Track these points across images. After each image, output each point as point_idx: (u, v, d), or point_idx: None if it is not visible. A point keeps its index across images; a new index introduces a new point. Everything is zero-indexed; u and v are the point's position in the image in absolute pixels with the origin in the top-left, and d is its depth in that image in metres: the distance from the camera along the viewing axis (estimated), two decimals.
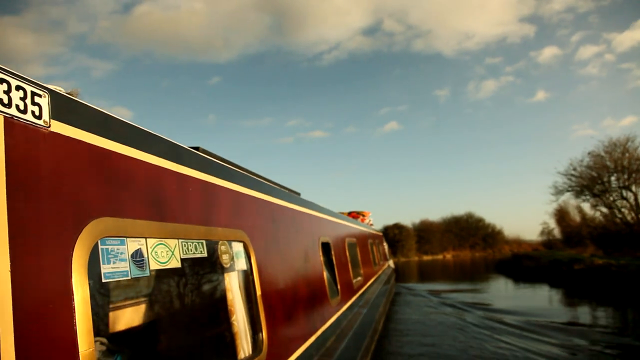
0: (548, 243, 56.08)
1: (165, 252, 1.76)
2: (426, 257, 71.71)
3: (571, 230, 40.33)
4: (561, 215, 43.00)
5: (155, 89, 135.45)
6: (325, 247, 5.15)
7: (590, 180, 30.53)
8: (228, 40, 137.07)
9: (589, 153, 30.81)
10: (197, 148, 2.41)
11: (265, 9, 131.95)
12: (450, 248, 79.01)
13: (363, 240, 9.14)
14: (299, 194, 4.89)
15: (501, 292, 19.46)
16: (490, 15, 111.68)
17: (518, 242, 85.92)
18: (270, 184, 3.47)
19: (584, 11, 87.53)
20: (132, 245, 1.56)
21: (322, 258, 4.70)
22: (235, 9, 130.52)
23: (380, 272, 11.50)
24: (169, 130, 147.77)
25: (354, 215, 11.03)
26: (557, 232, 52.87)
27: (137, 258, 1.58)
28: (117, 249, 1.49)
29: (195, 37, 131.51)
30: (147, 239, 1.64)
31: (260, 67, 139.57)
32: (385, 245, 17.41)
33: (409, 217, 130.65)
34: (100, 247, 1.40)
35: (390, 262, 17.66)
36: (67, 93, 1.57)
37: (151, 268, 1.65)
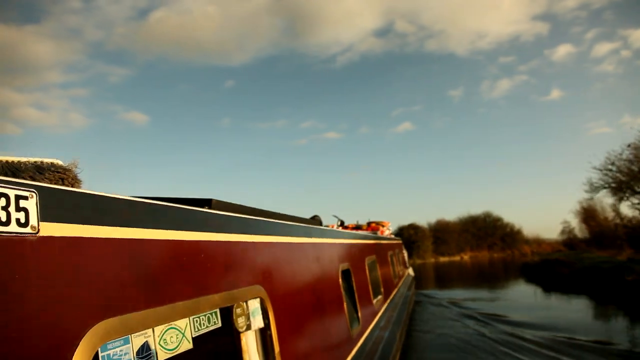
0: (569, 243, 54.93)
1: (175, 337, 1.59)
2: (443, 259, 70.96)
3: (601, 230, 37.82)
4: (589, 214, 41.38)
5: (171, 93, 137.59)
6: (346, 273, 4.93)
7: (630, 175, 27.51)
8: (242, 43, 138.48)
9: (628, 145, 27.49)
10: (209, 201, 2.22)
11: (279, 13, 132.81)
12: (467, 249, 78.04)
13: (383, 254, 8.89)
14: (318, 220, 4.67)
15: (530, 302, 17.36)
16: (503, 14, 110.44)
17: (538, 242, 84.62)
18: (288, 222, 3.26)
19: (598, 7, 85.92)
20: (138, 340, 1.40)
21: (342, 287, 4.47)
22: (249, 13, 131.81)
23: (400, 284, 11.26)
24: (184, 134, 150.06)
25: (374, 227, 10.89)
26: (578, 232, 51.85)
27: (143, 354, 1.41)
28: (120, 351, 1.32)
29: (209, 41, 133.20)
30: (155, 328, 1.47)
31: (274, 69, 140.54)
32: (405, 253, 17.12)
33: (424, 217, 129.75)
34: (100, 354, 1.24)
35: (410, 270, 17.32)
36: (65, 168, 1.41)
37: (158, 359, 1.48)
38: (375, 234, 9.64)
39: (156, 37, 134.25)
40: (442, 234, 74.79)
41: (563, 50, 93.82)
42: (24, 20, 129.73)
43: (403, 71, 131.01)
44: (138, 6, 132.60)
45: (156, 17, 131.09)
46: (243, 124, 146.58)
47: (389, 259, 9.95)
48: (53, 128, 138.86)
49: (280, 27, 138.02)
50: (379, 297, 7.11)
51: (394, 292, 9.27)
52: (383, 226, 11.79)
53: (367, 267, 6.27)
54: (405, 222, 76.65)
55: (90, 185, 1.45)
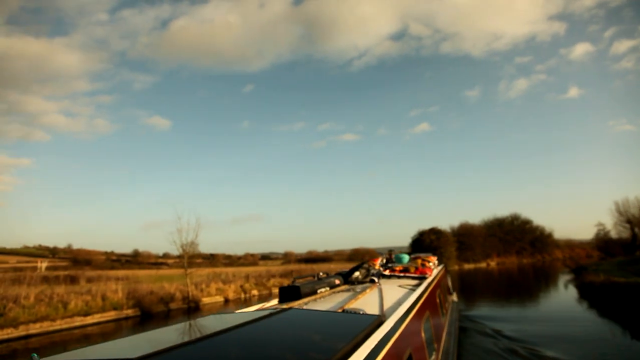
0: (604, 247, 51.72)
1: None
2: (468, 266, 67.33)
3: None
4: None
5: (192, 98, 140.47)
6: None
7: None
8: (260, 50, 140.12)
9: None
10: None
11: (296, 20, 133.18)
12: (494, 255, 74.45)
13: (433, 301, 7.56)
14: (381, 320, 3.41)
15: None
16: (518, 15, 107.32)
17: (570, 246, 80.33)
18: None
19: (617, 5, 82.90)
20: None
21: None
22: (268, 20, 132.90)
23: (447, 320, 9.91)
24: (205, 137, 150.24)
25: (421, 270, 9.36)
26: (614, 234, 49.40)
27: None
28: None
29: (229, 48, 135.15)
30: None
31: (292, 74, 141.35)
32: (449, 278, 15.54)
33: (446, 221, 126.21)
34: None
35: (454, 296, 15.73)
36: None
37: None
38: (424, 276, 8.55)
39: (178, 46, 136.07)
40: (467, 239, 71.04)
41: (581, 49, 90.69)
42: (54, 33, 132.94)
43: (419, 73, 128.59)
44: (161, 16, 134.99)
45: (178, 26, 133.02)
46: (262, 126, 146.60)
47: (438, 300, 8.77)
48: (79, 134, 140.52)
49: (298, 34, 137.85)
50: (434, 355, 5.88)
51: (443, 337, 7.97)
52: (429, 261, 10.78)
53: (423, 333, 5.13)
54: (425, 224, 73.43)
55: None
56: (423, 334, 5.12)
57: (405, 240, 70.74)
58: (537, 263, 68.36)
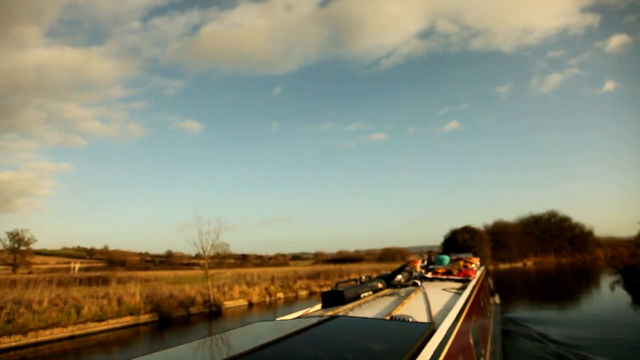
0: None
1: None
2: (503, 266, 64.02)
3: None
4: None
5: (222, 102, 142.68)
6: None
7: None
8: (288, 53, 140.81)
9: None
10: None
11: (323, 22, 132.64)
12: (531, 254, 70.81)
13: (478, 303, 6.91)
14: (433, 328, 3.05)
15: None
16: (549, 8, 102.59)
17: (612, 245, 75.66)
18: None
19: None
20: None
21: None
22: (295, 23, 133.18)
23: (491, 324, 9.08)
24: (235, 139, 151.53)
25: (465, 272, 8.90)
26: None
27: None
28: None
29: (257, 51, 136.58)
30: None
31: (320, 76, 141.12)
32: (490, 280, 14.83)
33: (479, 219, 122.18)
34: None
35: (496, 298, 15.04)
36: None
37: None
38: (468, 278, 8.14)
39: (207, 51, 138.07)
40: (502, 238, 67.60)
41: (617, 41, 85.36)
42: (90, 43, 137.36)
43: (448, 71, 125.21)
44: (191, 23, 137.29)
45: (207, 31, 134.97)
46: (291, 128, 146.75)
47: (482, 303, 8.11)
48: (114, 139, 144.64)
49: (325, 36, 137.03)
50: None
51: (489, 342, 7.36)
52: (471, 262, 10.22)
53: (471, 337, 4.54)
54: (457, 223, 70.47)
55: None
56: (472, 341, 4.78)
57: (437, 240, 68.49)
58: (577, 263, 64.66)
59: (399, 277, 6.18)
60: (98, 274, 42.81)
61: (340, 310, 4.11)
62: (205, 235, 23.77)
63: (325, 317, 3.10)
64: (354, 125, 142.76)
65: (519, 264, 67.25)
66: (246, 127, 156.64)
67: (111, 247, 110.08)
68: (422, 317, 3.77)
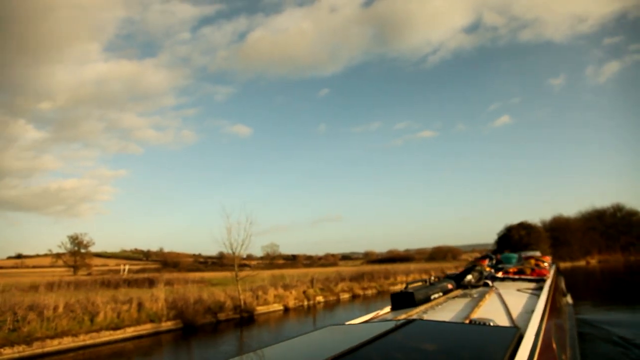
0: None
1: None
2: (564, 264, 58.00)
3: None
4: None
5: (270, 105, 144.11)
6: None
7: None
8: (334, 54, 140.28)
9: None
10: None
11: (368, 21, 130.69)
12: (594, 251, 64.31)
13: (555, 306, 6.23)
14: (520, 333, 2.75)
15: None
16: None
17: None
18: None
19: None
20: None
21: None
22: (339, 24, 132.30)
23: (567, 326, 8.34)
24: (284, 141, 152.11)
25: (538, 271, 7.99)
26: None
27: None
28: None
29: (304, 54, 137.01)
30: None
31: (366, 76, 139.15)
32: (562, 279, 13.87)
33: (536, 214, 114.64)
34: None
35: (569, 298, 14.27)
36: None
37: None
38: (543, 278, 7.18)
39: (254, 56, 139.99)
40: (562, 234, 61.72)
41: None
42: (144, 55, 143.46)
43: (497, 64, 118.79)
44: (238, 30, 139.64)
45: (254, 38, 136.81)
46: (338, 129, 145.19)
47: (558, 304, 7.38)
48: (168, 145, 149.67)
49: (369, 35, 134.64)
50: None
51: (568, 346, 6.34)
52: (544, 261, 9.82)
53: (553, 341, 4.16)
54: (511, 220, 65.23)
55: None
56: (555, 345, 4.30)
57: (489, 237, 64.09)
58: None
59: (469, 277, 5.90)
60: (145, 275, 42.22)
61: (413, 313, 3.91)
62: (235, 235, 21.57)
63: (402, 321, 2.82)
64: (402, 123, 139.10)
65: (582, 262, 61.32)
66: (294, 129, 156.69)
67: (166, 249, 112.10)
68: (502, 320, 3.56)
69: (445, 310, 4.17)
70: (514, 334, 2.52)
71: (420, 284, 5.17)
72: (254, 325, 18.54)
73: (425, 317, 3.74)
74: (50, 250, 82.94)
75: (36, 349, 13.17)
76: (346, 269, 49.99)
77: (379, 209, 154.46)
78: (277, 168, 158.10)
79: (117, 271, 55.93)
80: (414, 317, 3.61)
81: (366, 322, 3.68)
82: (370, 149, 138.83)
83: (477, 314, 3.72)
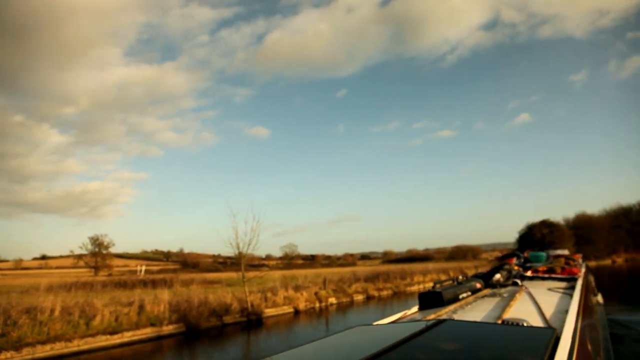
0: None
1: None
2: (589, 263, 55.32)
3: None
4: None
5: (289, 106, 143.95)
6: None
7: None
8: (351, 54, 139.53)
9: None
10: None
11: (385, 21, 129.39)
12: (620, 249, 61.46)
13: (588, 306, 5.93)
14: (557, 334, 2.60)
15: None
16: None
17: None
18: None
19: None
20: None
21: None
22: (356, 25, 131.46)
23: (600, 326, 7.53)
24: (302, 142, 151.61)
25: (569, 270, 7.36)
26: None
27: None
28: None
29: (321, 55, 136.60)
30: None
31: (383, 75, 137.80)
32: (591, 277, 12.76)
33: (558, 212, 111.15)
34: None
35: (599, 297, 13.28)
36: None
37: None
38: (574, 277, 6.85)
39: (272, 58, 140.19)
40: (586, 232, 59.01)
41: None
42: (164, 59, 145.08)
43: (516, 62, 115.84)
44: (256, 32, 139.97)
45: (272, 39, 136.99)
46: (357, 129, 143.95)
47: (590, 304, 7.03)
48: (188, 147, 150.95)
49: (387, 35, 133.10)
50: None
51: (601, 347, 5.96)
52: (574, 260, 9.10)
53: (588, 342, 3.88)
54: (531, 218, 62.80)
55: None
56: (590, 346, 3.99)
57: (510, 236, 61.90)
58: None
59: (498, 276, 5.69)
60: (161, 276, 41.67)
61: (442, 312, 3.79)
62: (242, 235, 20.51)
63: (433, 321, 2.63)
64: (421, 123, 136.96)
65: (607, 261, 58.72)
66: (312, 130, 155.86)
67: (186, 250, 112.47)
68: (535, 320, 3.40)
69: (475, 310, 4.03)
70: (551, 334, 2.37)
71: (449, 283, 5.02)
72: (261, 328, 17.38)
73: (455, 317, 3.60)
74: (71, 252, 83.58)
75: (26, 355, 12.24)
76: (362, 268, 48.53)
77: (398, 209, 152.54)
78: (296, 169, 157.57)
79: (134, 272, 55.63)
80: (444, 317, 3.50)
81: (394, 322, 3.56)
82: (389, 149, 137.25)
83: (509, 314, 3.56)
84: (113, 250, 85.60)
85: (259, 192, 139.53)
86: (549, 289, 5.53)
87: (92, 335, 13.70)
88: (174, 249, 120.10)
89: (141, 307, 15.82)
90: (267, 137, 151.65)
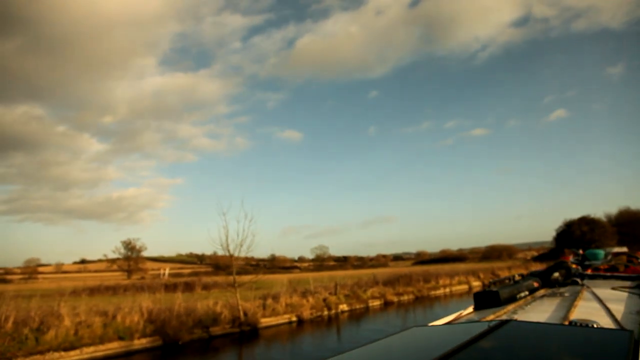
0: None
1: None
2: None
3: None
4: None
5: (320, 110, 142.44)
6: None
7: None
8: (381, 56, 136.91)
9: None
10: None
11: (414, 21, 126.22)
12: None
13: None
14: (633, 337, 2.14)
15: None
16: None
17: None
18: None
19: None
20: None
21: None
22: (386, 26, 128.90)
23: None
24: (335, 145, 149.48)
25: (633, 268, 6.76)
26: None
27: None
28: None
29: (352, 58, 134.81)
30: None
31: (414, 76, 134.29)
32: None
33: (599, 208, 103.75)
34: None
35: None
36: None
37: None
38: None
39: (304, 62, 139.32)
40: (631, 229, 53.04)
41: None
42: (198, 66, 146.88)
43: (550, 57, 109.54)
44: (287, 37, 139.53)
45: (303, 44, 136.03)
46: (388, 130, 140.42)
47: None
48: (222, 152, 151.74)
49: (417, 35, 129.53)
50: None
51: None
52: (638, 258, 8.00)
53: None
54: (571, 214, 57.56)
55: None
56: None
57: (546, 235, 56.88)
58: None
59: (556, 274, 5.33)
60: (184, 279, 39.79)
61: (501, 313, 3.48)
62: (233, 235, 17.78)
63: (495, 322, 2.36)
64: (453, 122, 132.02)
65: None
66: (344, 133, 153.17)
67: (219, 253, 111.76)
68: (605, 322, 3.04)
69: (536, 310, 3.62)
70: (628, 337, 2.01)
71: (505, 282, 4.74)
72: (256, 341, 14.46)
73: (516, 317, 3.23)
74: (104, 255, 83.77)
75: None
76: (383, 270, 45.10)
77: (432, 209, 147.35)
78: (328, 171, 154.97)
79: (157, 275, 54.11)
80: (504, 317, 3.19)
81: (451, 323, 3.31)
82: (422, 149, 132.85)
83: (575, 315, 3.16)
84: (148, 253, 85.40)
85: (291, 195, 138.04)
86: (613, 288, 5.00)
87: (42, 353, 11.16)
88: (208, 252, 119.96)
89: (114, 317, 13.27)
90: (299, 140, 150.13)
